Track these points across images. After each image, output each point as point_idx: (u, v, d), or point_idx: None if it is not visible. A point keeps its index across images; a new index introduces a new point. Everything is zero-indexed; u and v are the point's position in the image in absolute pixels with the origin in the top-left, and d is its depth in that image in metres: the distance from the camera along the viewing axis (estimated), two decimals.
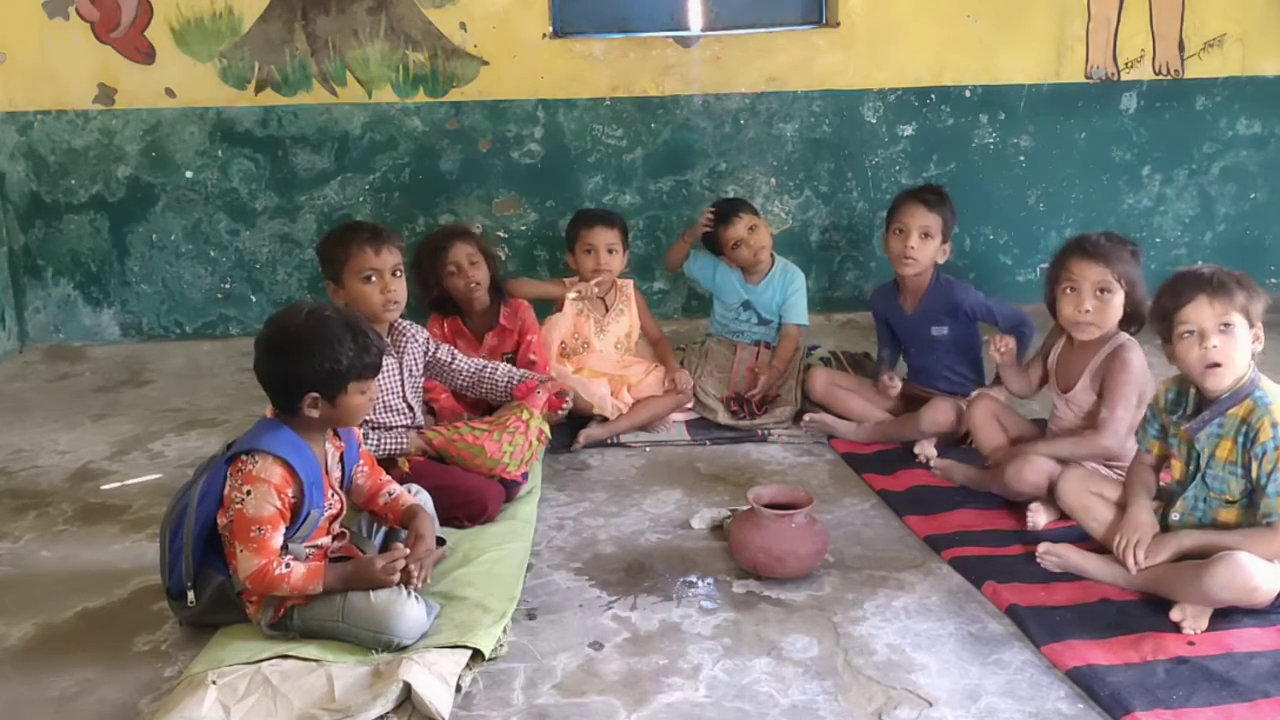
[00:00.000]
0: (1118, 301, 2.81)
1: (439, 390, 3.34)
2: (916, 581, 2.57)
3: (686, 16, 4.69)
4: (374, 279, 2.91)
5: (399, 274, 2.96)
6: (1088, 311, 2.80)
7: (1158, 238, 4.92)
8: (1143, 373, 2.80)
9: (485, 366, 3.16)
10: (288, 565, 2.25)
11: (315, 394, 2.28)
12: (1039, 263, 4.75)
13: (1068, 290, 2.83)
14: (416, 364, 3.09)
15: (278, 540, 2.25)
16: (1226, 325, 2.30)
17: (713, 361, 3.87)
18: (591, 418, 3.57)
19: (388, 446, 2.95)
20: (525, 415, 3.04)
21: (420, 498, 2.71)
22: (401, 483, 2.76)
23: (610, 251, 3.77)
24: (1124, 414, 2.78)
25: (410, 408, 3.06)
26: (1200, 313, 2.31)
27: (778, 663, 2.23)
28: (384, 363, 2.95)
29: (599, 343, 3.77)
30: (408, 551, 2.39)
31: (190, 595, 2.32)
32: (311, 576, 2.26)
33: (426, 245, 3.52)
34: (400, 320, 3.06)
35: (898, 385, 3.56)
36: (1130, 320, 2.86)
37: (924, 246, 3.46)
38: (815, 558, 2.59)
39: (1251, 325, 2.33)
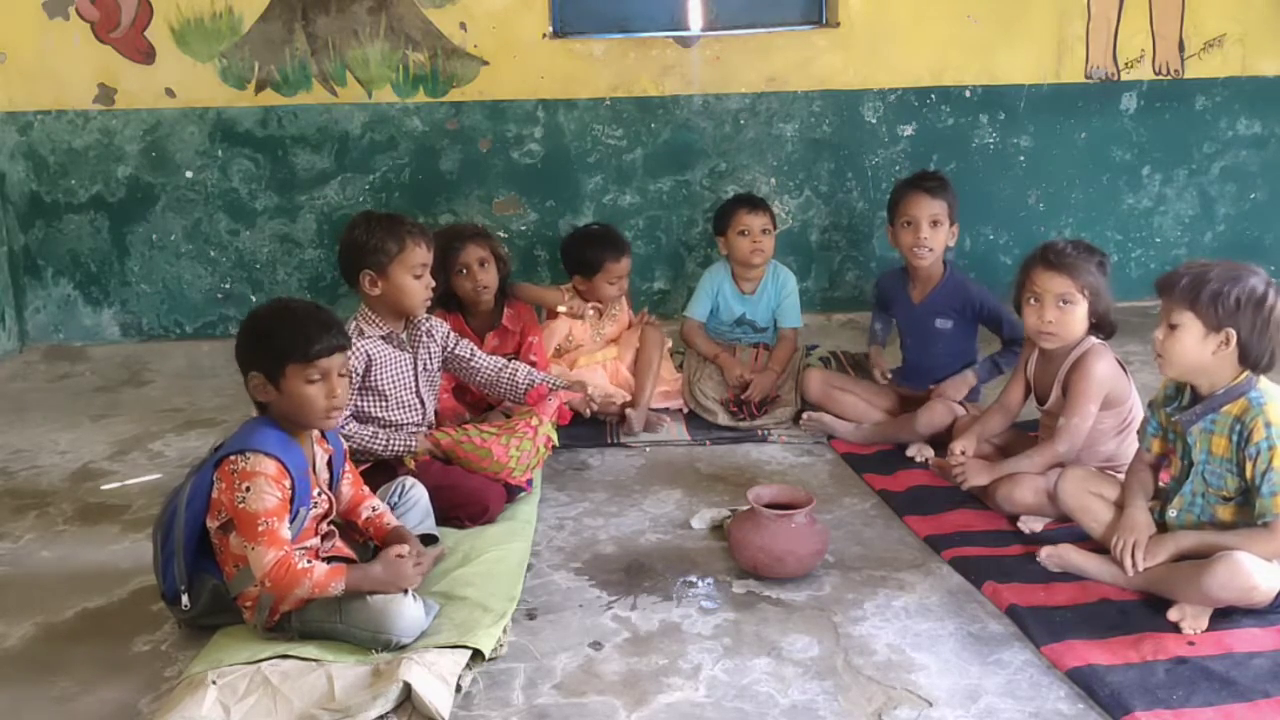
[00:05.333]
0: (1080, 312, 2.83)
1: (439, 390, 3.33)
2: (916, 581, 2.57)
3: (686, 16, 4.68)
4: (421, 275, 2.92)
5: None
6: (1049, 322, 2.83)
7: (1158, 238, 4.92)
8: (1104, 378, 2.81)
9: (506, 366, 3.16)
10: (309, 561, 2.25)
11: (258, 375, 2.30)
12: None
13: (1031, 300, 2.86)
14: (433, 359, 3.08)
15: (286, 531, 2.23)
16: (1171, 326, 2.35)
17: (712, 364, 3.86)
18: (595, 417, 3.59)
19: (396, 446, 2.94)
20: (535, 421, 3.04)
21: (414, 491, 2.72)
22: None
23: (625, 276, 3.82)
24: (1080, 421, 2.79)
25: (422, 403, 3.05)
26: (1161, 308, 2.39)
27: (778, 663, 2.23)
28: (398, 358, 2.96)
29: (593, 344, 3.80)
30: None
31: (185, 599, 2.31)
32: (334, 574, 2.24)
33: (438, 243, 3.51)
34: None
35: (885, 369, 3.63)
36: (1098, 329, 2.87)
37: (935, 235, 3.45)
38: (815, 558, 2.59)
39: (1214, 330, 2.31)
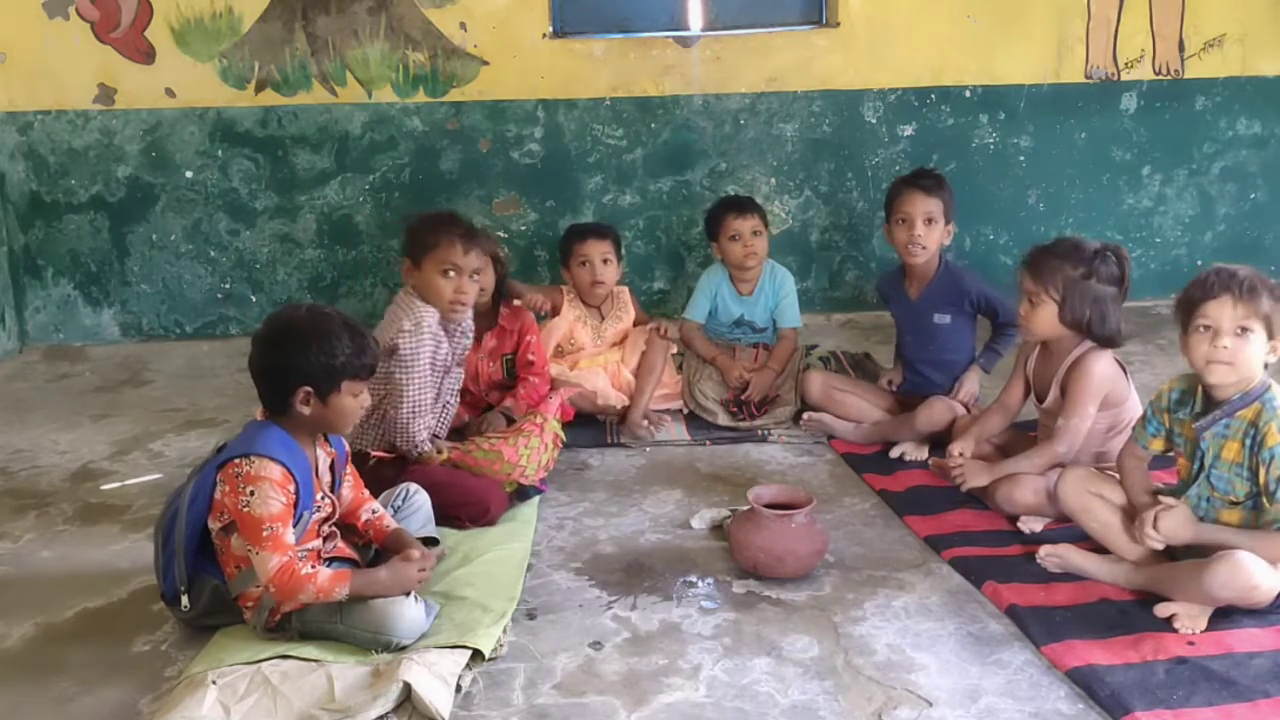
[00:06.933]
0: (1045, 312, 2.84)
1: None
2: (916, 581, 2.57)
3: (686, 16, 4.69)
4: (452, 275, 2.94)
5: (476, 278, 3.01)
6: (1021, 315, 2.91)
7: (1158, 238, 4.92)
8: (1103, 379, 2.81)
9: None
10: (313, 565, 2.24)
11: (309, 388, 2.27)
12: None
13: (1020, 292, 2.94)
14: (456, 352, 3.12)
15: (290, 536, 2.23)
16: (1244, 329, 2.29)
17: (711, 365, 3.86)
18: (594, 417, 3.59)
19: (442, 425, 3.04)
20: (539, 419, 3.06)
21: (417, 497, 2.71)
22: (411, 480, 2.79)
23: (605, 262, 3.79)
24: (1079, 421, 2.80)
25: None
26: (1221, 311, 2.30)
27: (778, 663, 2.23)
28: (444, 340, 2.97)
29: (595, 347, 3.80)
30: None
31: (185, 600, 2.31)
32: (338, 579, 2.24)
33: None
34: None
35: (894, 378, 3.65)
36: (1090, 336, 2.85)
37: (930, 232, 3.46)
38: (815, 558, 2.59)
39: (1271, 337, 2.30)
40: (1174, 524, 2.37)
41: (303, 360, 2.27)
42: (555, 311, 3.83)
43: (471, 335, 3.18)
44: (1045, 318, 2.85)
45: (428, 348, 2.91)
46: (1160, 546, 2.39)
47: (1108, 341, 2.85)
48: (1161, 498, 2.48)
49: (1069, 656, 2.19)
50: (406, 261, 3.01)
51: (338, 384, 2.30)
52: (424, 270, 2.95)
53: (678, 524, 2.92)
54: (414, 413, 2.92)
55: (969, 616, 2.40)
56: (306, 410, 2.29)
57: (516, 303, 3.55)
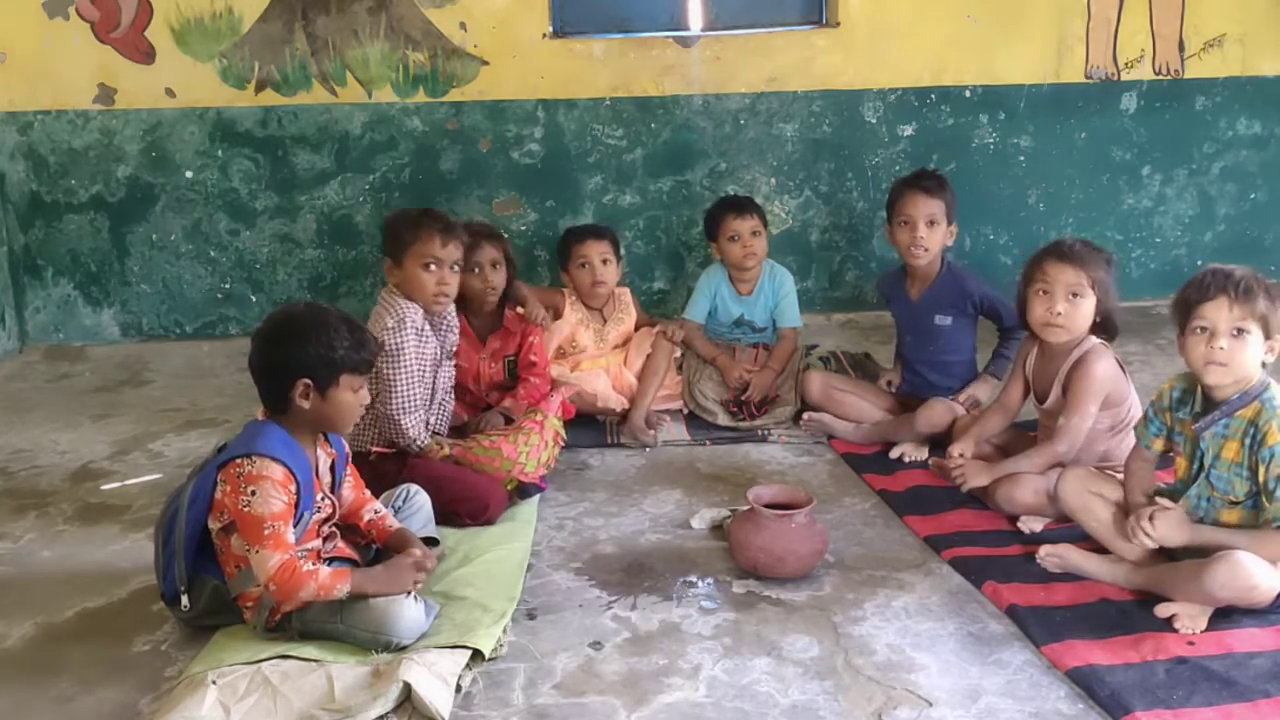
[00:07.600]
0: (1088, 307, 2.82)
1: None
2: (916, 581, 2.57)
3: (686, 16, 4.69)
4: (433, 268, 2.96)
5: (456, 269, 3.02)
6: (1059, 314, 2.81)
7: (1158, 238, 4.92)
8: (1105, 379, 2.81)
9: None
10: (313, 564, 2.24)
11: (307, 381, 2.27)
12: None
13: (1040, 292, 2.85)
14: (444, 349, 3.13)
15: (291, 535, 2.23)
16: (1240, 330, 2.29)
17: (711, 365, 3.86)
18: (594, 417, 3.59)
19: (440, 422, 3.06)
20: (539, 417, 3.06)
21: (418, 498, 2.72)
22: (413, 476, 2.79)
23: (604, 262, 3.79)
24: (1080, 421, 2.79)
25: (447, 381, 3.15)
26: (1217, 312, 2.30)
27: (778, 663, 2.23)
28: (431, 338, 2.99)
29: (597, 350, 3.80)
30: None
31: (185, 600, 2.31)
32: (338, 576, 2.24)
33: None
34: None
35: (892, 379, 3.65)
36: (1102, 329, 2.87)
37: (932, 234, 3.45)
38: (815, 558, 2.59)
39: (1268, 336, 2.31)
40: (1168, 526, 2.36)
41: (301, 353, 2.28)
42: (557, 314, 3.83)
43: (458, 330, 3.18)
44: (1087, 312, 2.83)
45: (411, 343, 2.92)
46: (1153, 545, 2.39)
47: (1115, 332, 2.87)
48: (1159, 499, 2.48)
49: (1069, 656, 2.19)
50: (388, 260, 3.02)
51: (336, 377, 2.30)
52: (405, 267, 2.97)
53: (678, 524, 2.92)
54: (404, 408, 2.92)
55: (969, 616, 2.41)
56: (306, 404, 2.29)
57: (520, 310, 3.55)
